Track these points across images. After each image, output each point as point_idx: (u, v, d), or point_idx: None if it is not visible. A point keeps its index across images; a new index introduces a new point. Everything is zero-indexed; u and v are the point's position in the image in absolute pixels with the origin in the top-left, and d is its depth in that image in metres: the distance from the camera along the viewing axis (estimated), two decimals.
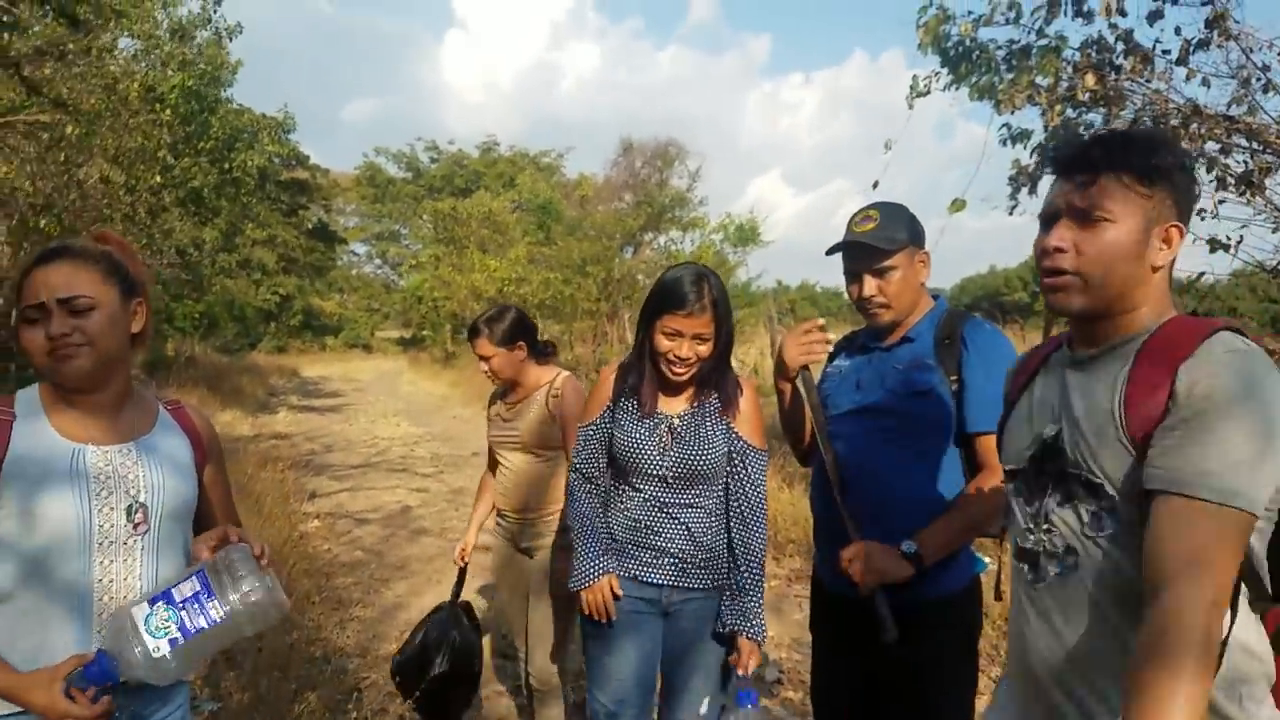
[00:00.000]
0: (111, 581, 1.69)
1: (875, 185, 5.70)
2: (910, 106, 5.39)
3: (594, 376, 15.29)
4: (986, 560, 2.47)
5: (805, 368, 2.38)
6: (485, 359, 3.21)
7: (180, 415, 1.93)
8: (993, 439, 1.79)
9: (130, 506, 1.71)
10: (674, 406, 2.47)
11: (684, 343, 2.35)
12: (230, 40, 12.87)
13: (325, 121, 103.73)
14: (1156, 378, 1.33)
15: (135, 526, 1.72)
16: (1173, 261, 1.44)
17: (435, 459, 11.20)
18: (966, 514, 2.17)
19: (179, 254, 13.27)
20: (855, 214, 2.38)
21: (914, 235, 2.31)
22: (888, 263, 2.24)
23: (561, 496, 3.14)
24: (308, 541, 6.66)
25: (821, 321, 2.35)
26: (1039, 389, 1.59)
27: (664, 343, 2.37)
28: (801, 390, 2.41)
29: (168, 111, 11.14)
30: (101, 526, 1.68)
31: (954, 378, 2.21)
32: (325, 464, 10.61)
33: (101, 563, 1.69)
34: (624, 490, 2.51)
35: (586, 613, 2.47)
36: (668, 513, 2.45)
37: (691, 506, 2.45)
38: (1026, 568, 1.53)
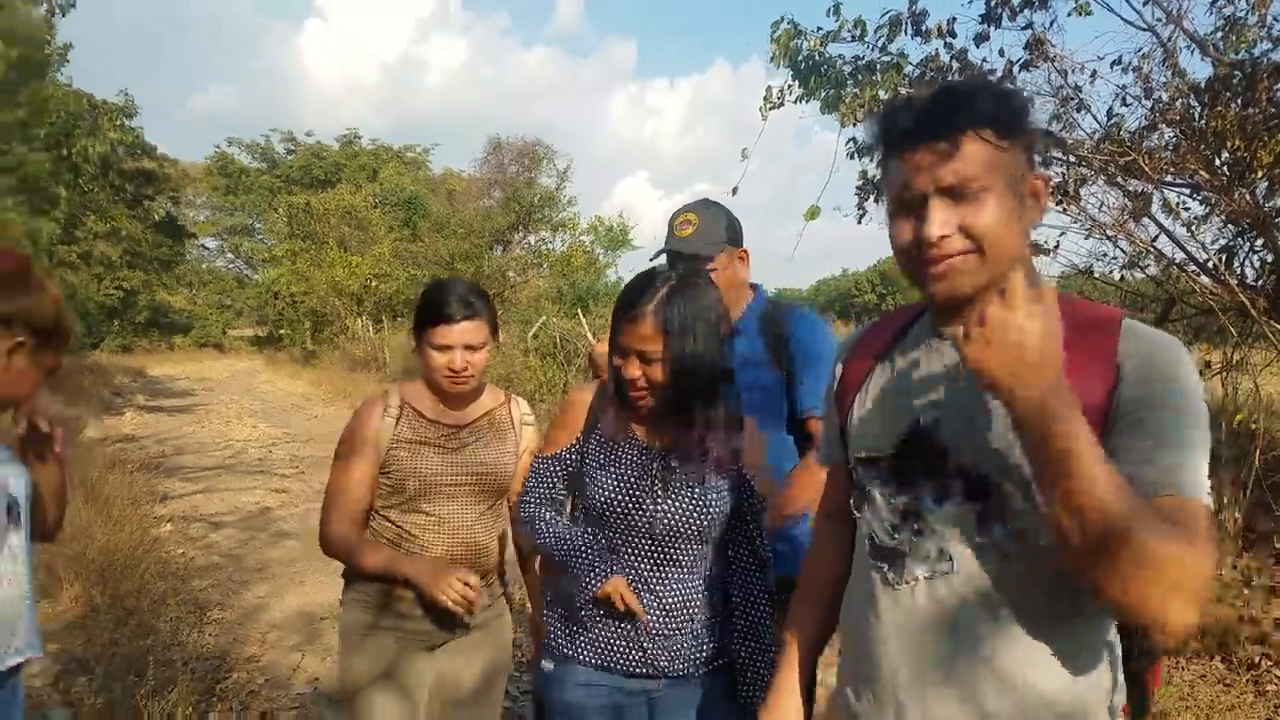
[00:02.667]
0: (6, 584, 1.71)
1: (734, 191, 6.00)
2: (764, 118, 5.69)
3: None
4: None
5: None
6: (471, 349, 2.24)
7: None
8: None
9: (9, 503, 1.72)
10: (664, 439, 1.97)
11: (631, 362, 1.89)
12: (63, 16, 12.11)
13: (174, 110, 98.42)
14: (1086, 362, 1.17)
15: (13, 523, 1.73)
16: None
17: (295, 460, 10.88)
18: (801, 487, 2.26)
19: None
20: (675, 217, 2.45)
21: (733, 235, 2.42)
22: (710, 266, 2.30)
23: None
24: (161, 545, 6.42)
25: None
26: (901, 367, 1.39)
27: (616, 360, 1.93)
28: None
29: None
30: None
31: (785, 370, 2.35)
32: (177, 466, 10.17)
33: None
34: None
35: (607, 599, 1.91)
36: (654, 581, 1.95)
37: (673, 573, 1.96)
38: (886, 567, 1.33)
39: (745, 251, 2.47)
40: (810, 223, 5.67)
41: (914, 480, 1.31)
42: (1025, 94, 1.31)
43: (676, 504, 1.91)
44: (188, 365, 30.79)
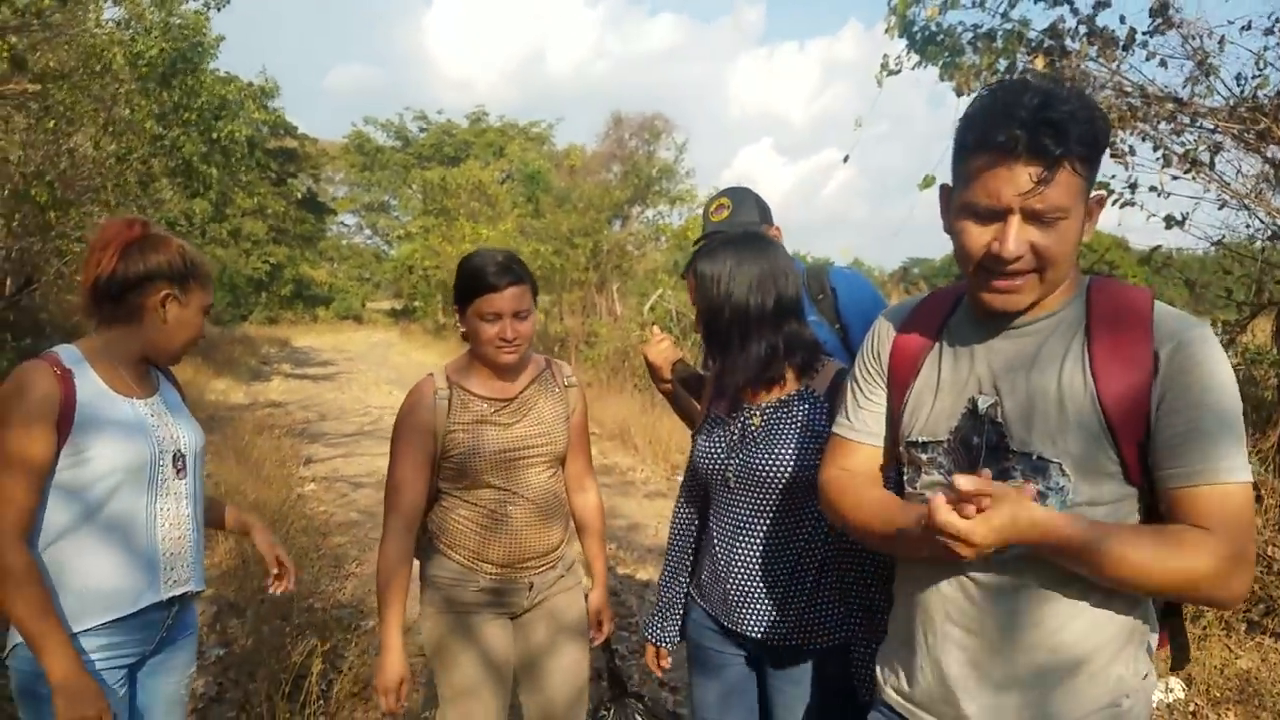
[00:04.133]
0: (169, 524, 1.97)
1: (846, 159, 5.96)
2: (880, 84, 5.59)
3: (583, 349, 15.55)
4: None
5: (678, 363, 2.59)
6: (519, 316, 2.21)
7: (165, 371, 2.16)
8: None
9: (175, 454, 1.99)
10: (759, 398, 2.03)
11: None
12: (218, 10, 12.89)
13: (311, 90, 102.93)
14: (1127, 350, 1.30)
15: (178, 472, 1.99)
16: None
17: None
18: None
19: (169, 226, 13.39)
20: (710, 203, 2.66)
21: (764, 214, 2.61)
22: None
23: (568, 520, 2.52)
24: (305, 503, 6.93)
25: (658, 331, 2.59)
26: (950, 355, 1.48)
27: None
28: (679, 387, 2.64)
29: (145, 71, 11.13)
30: (162, 471, 1.94)
31: (837, 325, 2.49)
32: (320, 431, 10.85)
33: (162, 508, 1.96)
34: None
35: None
36: (738, 536, 2.03)
37: (766, 530, 1.99)
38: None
39: (778, 228, 2.64)
40: (925, 191, 5.55)
41: (973, 461, 1.41)
42: (1106, 119, 1.32)
43: (748, 455, 1.97)
44: (329, 337, 32.40)
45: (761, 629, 1.98)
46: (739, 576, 2.01)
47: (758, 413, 2.00)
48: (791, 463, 1.92)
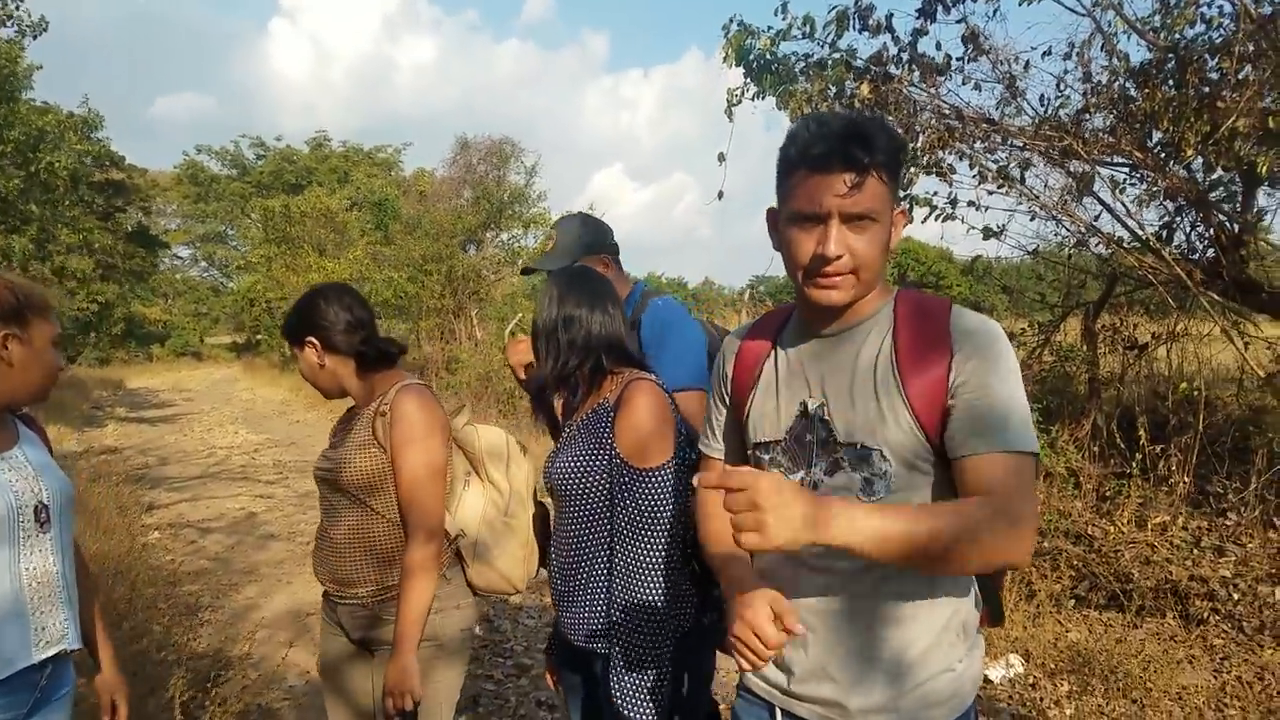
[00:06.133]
0: (37, 582, 1.86)
1: (720, 196, 6.18)
2: (730, 118, 5.85)
3: (444, 376, 15.31)
4: None
5: (529, 365, 2.65)
6: None
7: (30, 422, 2.05)
8: (691, 394, 2.18)
9: (37, 507, 1.87)
10: (580, 411, 2.15)
11: None
12: (34, 39, 12.11)
13: (141, 120, 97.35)
14: (927, 347, 1.44)
15: (41, 526, 1.88)
16: None
17: (279, 465, 11.01)
18: None
19: None
20: (546, 236, 2.75)
21: (590, 245, 2.63)
22: None
23: (396, 567, 2.25)
24: (150, 553, 6.54)
25: (520, 335, 2.62)
26: (783, 365, 1.62)
27: None
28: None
29: None
30: (23, 526, 1.83)
31: (650, 353, 2.48)
32: (162, 476, 10.27)
33: (27, 566, 1.84)
34: None
35: None
36: (555, 543, 2.16)
37: (568, 537, 2.09)
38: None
39: (606, 258, 2.65)
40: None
41: (807, 457, 1.54)
42: (904, 139, 1.50)
43: (555, 464, 2.07)
44: (166, 375, 30.67)
45: (580, 632, 2.05)
46: (555, 579, 2.12)
47: (575, 423, 2.10)
48: (573, 469, 2.02)
